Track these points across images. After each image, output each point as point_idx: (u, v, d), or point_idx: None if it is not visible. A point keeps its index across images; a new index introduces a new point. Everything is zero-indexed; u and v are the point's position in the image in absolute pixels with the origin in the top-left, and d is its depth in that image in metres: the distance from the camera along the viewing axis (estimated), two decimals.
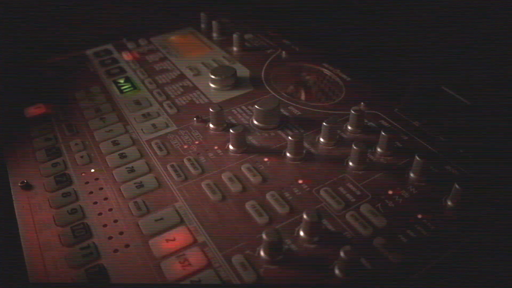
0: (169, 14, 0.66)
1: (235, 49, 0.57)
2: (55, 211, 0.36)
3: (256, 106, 0.43)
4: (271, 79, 0.51)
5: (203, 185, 0.37)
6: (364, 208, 0.34)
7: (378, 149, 0.39)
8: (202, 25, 0.64)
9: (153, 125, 0.45)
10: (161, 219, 0.35)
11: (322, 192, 0.36)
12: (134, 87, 0.51)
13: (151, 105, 0.48)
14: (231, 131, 0.39)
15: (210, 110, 0.42)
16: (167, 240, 0.33)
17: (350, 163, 0.38)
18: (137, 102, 0.48)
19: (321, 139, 0.41)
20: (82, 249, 0.33)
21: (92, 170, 0.39)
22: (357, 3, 0.62)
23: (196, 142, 0.42)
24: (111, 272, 0.31)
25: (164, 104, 0.48)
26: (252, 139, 0.42)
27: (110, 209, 0.36)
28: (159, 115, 0.46)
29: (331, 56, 0.54)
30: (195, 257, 0.31)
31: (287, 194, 0.36)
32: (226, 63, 0.55)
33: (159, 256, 0.32)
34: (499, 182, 0.36)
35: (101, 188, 0.38)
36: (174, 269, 0.31)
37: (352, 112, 0.41)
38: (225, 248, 0.32)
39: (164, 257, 0.32)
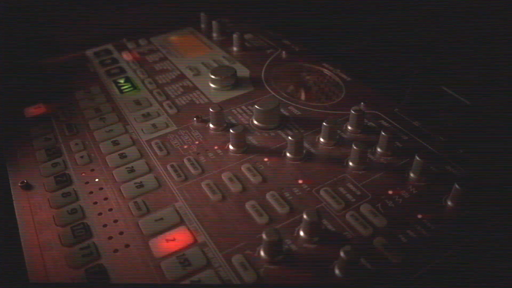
0: (169, 14, 0.66)
1: (235, 49, 0.57)
2: (55, 211, 0.36)
3: (256, 106, 0.43)
4: (271, 79, 0.51)
5: (203, 185, 0.37)
6: (364, 208, 0.34)
7: (378, 149, 0.39)
8: (202, 25, 0.64)
9: (153, 125, 0.45)
10: (161, 219, 0.35)
11: (322, 192, 0.36)
12: (134, 87, 0.51)
13: (151, 105, 0.48)
14: (231, 131, 0.39)
15: (210, 110, 0.42)
16: (167, 240, 0.33)
17: (350, 163, 0.38)
18: (137, 102, 0.48)
19: (321, 139, 0.41)
20: (82, 249, 0.33)
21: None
22: (357, 3, 0.62)
23: (196, 142, 0.42)
24: (111, 272, 0.31)
25: (164, 104, 0.48)
26: (252, 139, 0.42)
27: (110, 209, 0.36)
28: (159, 115, 0.46)
29: (331, 56, 0.54)
30: (195, 257, 0.31)
31: (287, 194, 0.36)
32: (226, 63, 0.55)
33: (159, 256, 0.32)
34: (499, 182, 0.36)
35: (101, 188, 0.38)
36: (174, 269, 0.31)
37: (352, 112, 0.41)
38: (225, 248, 0.32)
39: (164, 257, 0.32)
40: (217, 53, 0.57)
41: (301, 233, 0.32)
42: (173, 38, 0.62)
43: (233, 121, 0.45)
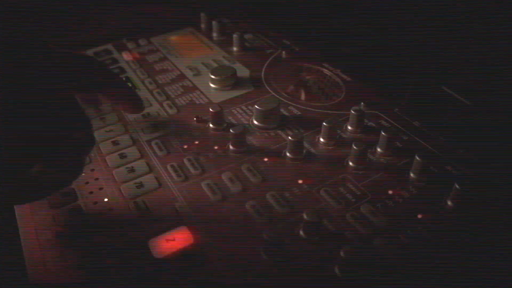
0: (169, 14, 0.66)
1: (235, 49, 0.57)
2: (55, 211, 0.36)
3: (256, 106, 0.43)
4: (271, 79, 0.51)
5: (203, 185, 0.37)
6: (364, 208, 0.34)
7: (378, 149, 0.39)
8: (202, 25, 0.64)
9: (153, 125, 0.45)
10: (161, 219, 0.35)
11: (322, 192, 0.36)
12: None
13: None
14: (231, 131, 0.39)
15: (210, 110, 0.42)
16: (167, 240, 0.33)
17: (350, 163, 0.38)
18: None
19: (321, 139, 0.41)
20: (82, 249, 0.33)
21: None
22: (357, 3, 0.62)
23: (196, 142, 0.42)
24: (111, 272, 0.31)
25: (164, 104, 0.48)
26: (252, 139, 0.42)
27: (110, 209, 0.36)
28: (159, 115, 0.46)
29: (331, 56, 0.54)
30: (195, 257, 0.31)
31: (287, 194, 0.36)
32: (226, 63, 0.55)
33: (159, 256, 0.32)
34: (499, 182, 0.36)
35: (101, 188, 0.38)
36: (174, 269, 0.31)
37: (352, 112, 0.41)
38: (225, 248, 0.32)
39: (164, 257, 0.32)
40: (217, 53, 0.57)
41: (301, 233, 0.32)
42: (173, 38, 0.62)
43: (233, 121, 0.45)
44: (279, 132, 0.43)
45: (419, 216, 0.33)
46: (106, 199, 0.37)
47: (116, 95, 0.43)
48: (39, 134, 0.29)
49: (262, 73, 0.52)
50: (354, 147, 0.37)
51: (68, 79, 0.33)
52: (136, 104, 0.44)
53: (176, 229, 0.34)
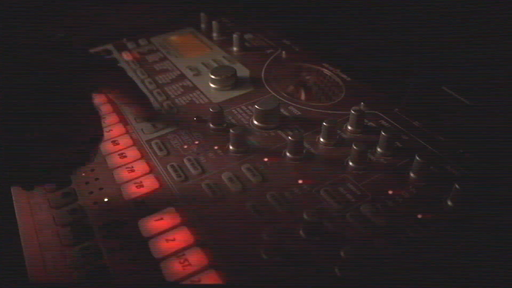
0: (169, 14, 0.66)
1: (235, 49, 0.58)
2: (55, 211, 0.36)
3: (256, 106, 0.43)
4: (271, 79, 0.51)
5: (203, 185, 0.37)
6: (364, 208, 0.34)
7: (378, 149, 0.39)
8: (202, 25, 0.64)
9: (153, 125, 0.45)
10: (161, 219, 0.35)
11: (322, 192, 0.36)
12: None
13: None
14: (231, 131, 0.39)
15: (210, 110, 0.42)
16: (167, 240, 0.33)
17: (350, 163, 0.38)
18: None
19: (321, 139, 0.41)
20: (82, 249, 0.33)
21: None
22: (357, 3, 0.62)
23: (196, 142, 0.42)
24: (111, 273, 0.31)
25: (164, 104, 0.48)
26: (252, 139, 0.42)
27: (110, 209, 0.36)
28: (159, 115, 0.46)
29: (331, 56, 0.54)
30: (195, 257, 0.31)
31: (287, 194, 0.36)
32: (226, 63, 0.55)
33: (159, 256, 0.32)
34: (499, 182, 0.36)
35: (101, 188, 0.38)
36: (174, 269, 0.31)
37: (352, 112, 0.41)
38: (225, 248, 0.32)
39: (164, 257, 0.32)
40: (217, 53, 0.57)
41: (301, 233, 0.32)
42: (173, 38, 0.62)
43: (233, 121, 0.45)
44: (279, 132, 0.43)
45: (419, 216, 0.33)
46: (106, 199, 0.37)
47: (127, 97, 0.44)
48: (55, 126, 0.31)
49: (262, 73, 0.52)
50: (354, 147, 0.37)
51: (84, 77, 0.35)
52: (146, 107, 0.45)
53: (176, 229, 0.34)
